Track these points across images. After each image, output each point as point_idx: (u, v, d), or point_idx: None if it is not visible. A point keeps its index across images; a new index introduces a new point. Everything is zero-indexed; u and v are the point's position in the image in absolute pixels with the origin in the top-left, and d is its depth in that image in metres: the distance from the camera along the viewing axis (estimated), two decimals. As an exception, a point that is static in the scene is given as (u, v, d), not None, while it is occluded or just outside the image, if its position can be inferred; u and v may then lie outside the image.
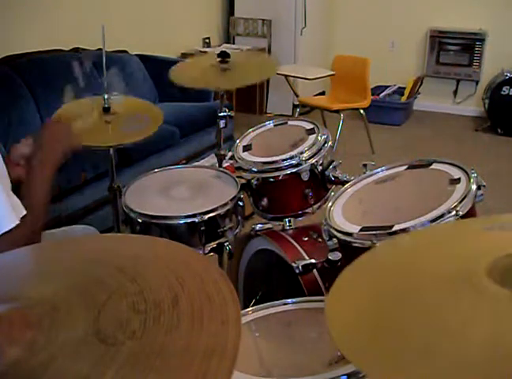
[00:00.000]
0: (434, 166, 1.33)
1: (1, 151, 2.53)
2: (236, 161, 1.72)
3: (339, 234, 1.23)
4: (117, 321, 0.56)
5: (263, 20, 5.06)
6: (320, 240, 1.51)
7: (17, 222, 1.12)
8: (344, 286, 0.72)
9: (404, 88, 5.20)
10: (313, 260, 1.40)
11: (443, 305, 0.61)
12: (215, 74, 2.04)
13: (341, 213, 1.32)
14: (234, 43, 5.22)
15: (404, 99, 5.18)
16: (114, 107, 1.80)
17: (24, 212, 1.14)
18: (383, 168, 1.45)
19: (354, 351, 0.57)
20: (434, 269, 0.69)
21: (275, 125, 1.88)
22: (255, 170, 1.66)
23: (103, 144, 1.79)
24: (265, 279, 1.75)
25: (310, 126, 1.75)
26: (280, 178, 1.63)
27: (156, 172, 1.90)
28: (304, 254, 1.47)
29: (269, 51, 5.14)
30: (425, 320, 0.60)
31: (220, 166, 2.23)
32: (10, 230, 1.10)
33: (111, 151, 1.98)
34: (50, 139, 1.33)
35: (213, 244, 1.66)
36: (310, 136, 1.68)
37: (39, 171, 1.25)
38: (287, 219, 1.68)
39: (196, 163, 2.90)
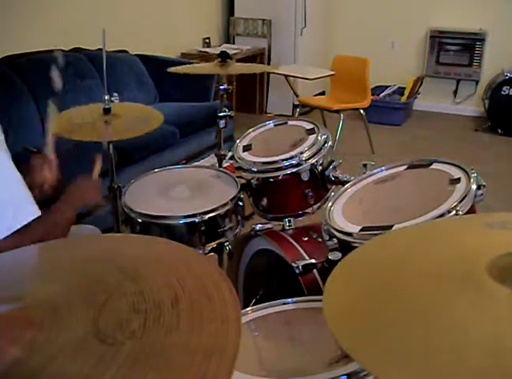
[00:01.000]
0: (434, 166, 1.33)
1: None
2: (236, 161, 1.72)
3: (339, 234, 1.23)
4: (117, 321, 0.56)
5: (263, 20, 5.06)
6: (320, 240, 1.51)
7: (40, 213, 1.15)
8: (342, 282, 0.72)
9: (404, 88, 5.20)
10: (313, 260, 1.40)
11: (443, 303, 0.61)
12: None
13: (341, 213, 1.32)
14: (234, 43, 5.21)
15: (404, 99, 5.18)
16: (114, 109, 1.81)
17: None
18: (383, 168, 1.45)
19: (355, 348, 0.57)
20: (434, 266, 0.69)
21: (275, 125, 1.88)
22: (255, 170, 1.66)
23: (103, 139, 1.80)
24: (265, 279, 1.75)
25: (310, 126, 1.75)
26: (280, 178, 1.63)
27: (156, 172, 1.90)
28: (304, 254, 1.47)
29: (269, 51, 5.14)
30: (425, 316, 0.60)
31: (220, 166, 2.23)
32: (33, 220, 1.13)
33: (111, 149, 1.98)
34: (76, 196, 1.48)
35: (213, 244, 1.66)
36: (310, 136, 1.68)
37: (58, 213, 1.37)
38: (287, 219, 1.68)
39: (196, 163, 2.90)
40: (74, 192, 1.49)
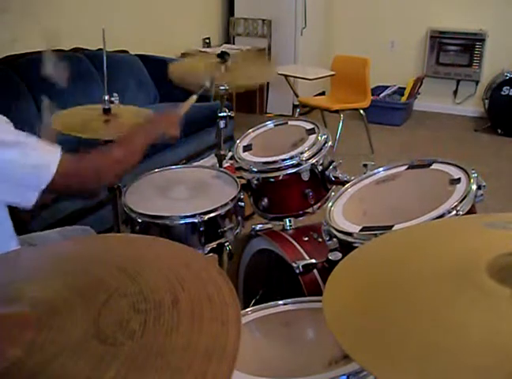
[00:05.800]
0: (434, 166, 1.33)
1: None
2: (236, 161, 1.72)
3: (339, 234, 1.23)
4: (117, 321, 0.56)
5: (263, 20, 5.06)
6: (320, 240, 1.51)
7: (61, 153, 1.17)
8: (342, 282, 0.72)
9: (404, 88, 5.20)
10: (313, 260, 1.40)
11: (443, 302, 0.61)
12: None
13: (342, 213, 1.32)
14: (234, 43, 5.22)
15: (404, 99, 5.18)
16: (114, 109, 1.81)
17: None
18: (383, 168, 1.45)
19: (355, 348, 0.57)
20: (434, 266, 0.69)
21: (275, 125, 1.88)
22: (255, 170, 1.66)
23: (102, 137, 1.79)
24: (265, 279, 1.75)
25: (310, 126, 1.75)
26: (281, 178, 1.63)
27: (156, 172, 1.90)
28: (304, 254, 1.47)
29: (269, 51, 5.14)
30: (424, 316, 0.60)
31: (220, 166, 2.23)
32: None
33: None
34: (157, 120, 1.58)
35: (213, 244, 1.65)
36: (311, 137, 1.68)
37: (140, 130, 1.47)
38: (287, 219, 1.68)
39: (196, 163, 2.89)
40: (158, 119, 1.58)
